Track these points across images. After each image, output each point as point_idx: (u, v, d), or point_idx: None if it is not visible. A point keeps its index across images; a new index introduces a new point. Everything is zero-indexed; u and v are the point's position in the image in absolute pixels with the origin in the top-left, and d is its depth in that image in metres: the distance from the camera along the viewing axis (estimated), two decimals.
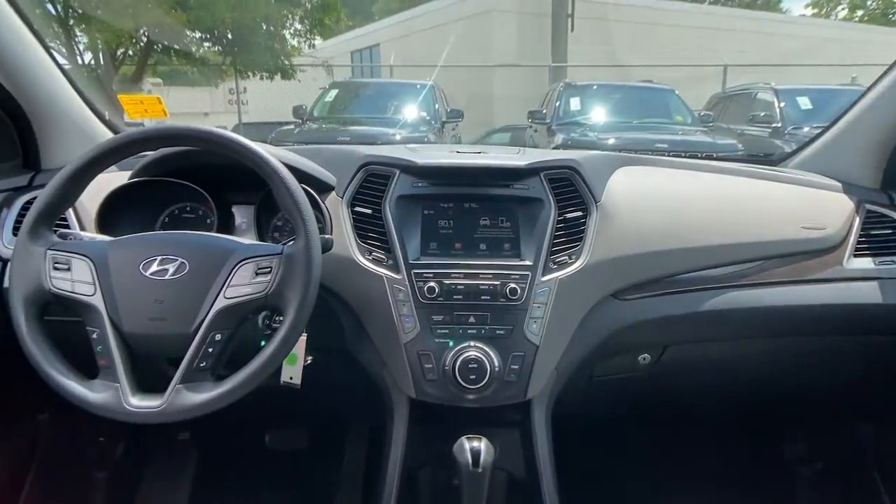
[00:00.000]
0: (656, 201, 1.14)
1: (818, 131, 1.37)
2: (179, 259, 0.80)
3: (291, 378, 0.98)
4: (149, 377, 0.79)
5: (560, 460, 1.06)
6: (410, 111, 6.84)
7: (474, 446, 0.87)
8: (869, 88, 1.21)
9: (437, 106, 7.19)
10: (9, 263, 0.84)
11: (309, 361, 1.00)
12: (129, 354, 0.78)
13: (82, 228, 1.03)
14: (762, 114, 7.07)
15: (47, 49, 1.12)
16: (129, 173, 1.05)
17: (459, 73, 10.37)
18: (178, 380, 0.76)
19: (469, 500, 0.87)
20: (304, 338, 0.96)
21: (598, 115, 6.88)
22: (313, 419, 1.68)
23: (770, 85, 7.42)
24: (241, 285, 0.79)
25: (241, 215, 1.11)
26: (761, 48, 11.77)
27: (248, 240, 0.87)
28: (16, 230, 1.07)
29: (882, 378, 1.26)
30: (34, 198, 0.87)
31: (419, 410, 1.04)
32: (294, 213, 0.80)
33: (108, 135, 1.29)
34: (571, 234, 1.05)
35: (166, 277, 0.79)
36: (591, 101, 7.11)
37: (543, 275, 1.01)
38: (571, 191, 1.08)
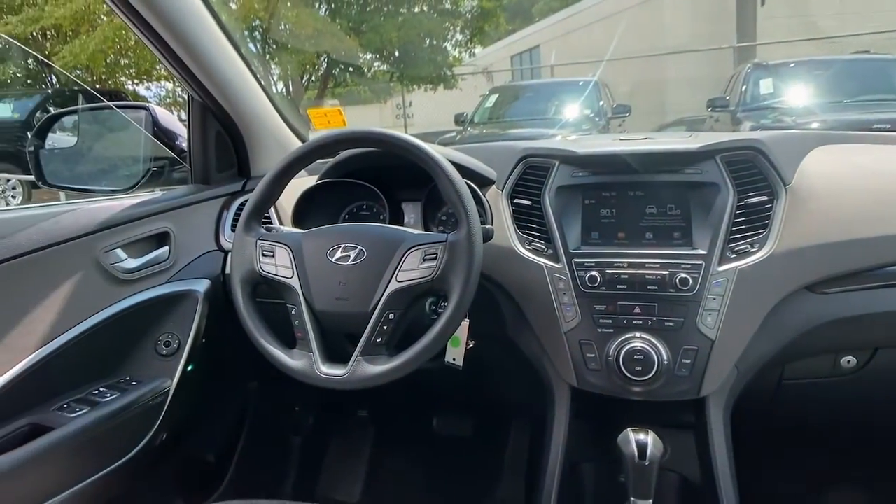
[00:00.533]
0: (863, 182, 1.02)
1: None
2: (359, 247, 0.90)
3: (454, 359, 1.04)
4: (335, 351, 0.90)
5: (741, 469, 0.98)
6: (572, 110, 6.70)
7: (640, 438, 0.85)
8: None
9: (601, 103, 6.95)
10: (229, 253, 1.06)
11: (471, 345, 1.04)
12: (319, 329, 0.90)
13: (281, 224, 1.18)
14: None
15: (256, 78, 1.33)
16: (316, 177, 1.20)
17: (628, 67, 9.74)
18: (358, 352, 0.86)
19: (635, 493, 0.85)
20: (466, 323, 1.01)
21: (797, 96, 5.94)
22: (478, 406, 1.72)
23: None
24: (411, 270, 0.87)
25: (410, 211, 1.21)
26: None
27: (417, 230, 0.95)
28: (233, 227, 1.27)
29: None
30: (246, 199, 1.02)
31: (581, 401, 1.03)
32: (456, 204, 0.86)
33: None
34: (754, 221, 0.97)
35: (348, 263, 0.90)
36: (787, 82, 6.19)
37: (720, 265, 0.95)
38: (755, 174, 0.99)
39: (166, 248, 1.16)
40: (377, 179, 1.16)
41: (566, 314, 0.99)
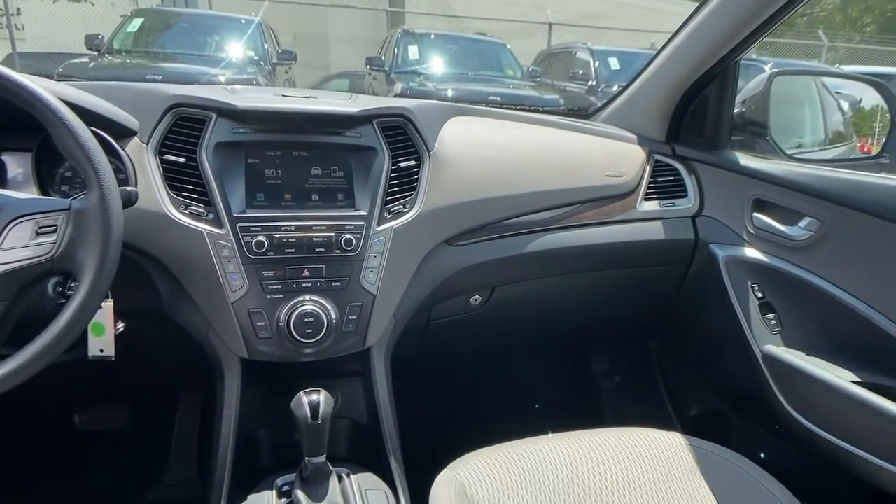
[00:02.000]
0: (485, 150, 1.19)
1: None
2: None
3: (102, 350, 0.87)
4: None
5: (400, 403, 1.09)
6: (235, 49, 6.26)
7: (313, 399, 0.85)
8: (657, 54, 1.38)
9: (266, 46, 6.67)
10: None
11: (121, 329, 0.90)
12: None
13: None
14: (580, 72, 7.79)
15: None
16: None
17: (290, 12, 9.63)
18: None
19: (309, 452, 0.86)
20: (110, 303, 0.86)
21: (437, 65, 7.05)
22: (134, 391, 1.54)
23: (587, 45, 8.13)
24: (17, 248, 0.67)
25: (16, 165, 0.93)
26: (581, 4, 12.65)
27: (26, 194, 0.74)
28: None
29: (661, 301, 1.51)
30: None
31: (252, 371, 1.00)
32: (82, 161, 0.69)
33: None
34: (405, 184, 1.06)
35: None
36: (429, 51, 7.23)
37: (378, 224, 1.01)
38: (405, 139, 1.07)
39: None
40: None
41: (232, 283, 0.93)
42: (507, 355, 1.71)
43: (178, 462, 1.51)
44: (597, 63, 7.65)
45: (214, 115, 0.97)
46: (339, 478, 0.91)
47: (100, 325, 0.86)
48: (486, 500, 0.83)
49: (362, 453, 1.05)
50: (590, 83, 7.51)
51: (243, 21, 6.63)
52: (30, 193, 0.76)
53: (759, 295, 1.24)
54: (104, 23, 6.84)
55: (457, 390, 1.75)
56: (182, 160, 0.95)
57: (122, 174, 0.88)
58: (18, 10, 8.07)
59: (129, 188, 0.76)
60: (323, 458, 0.87)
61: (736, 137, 1.37)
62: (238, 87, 1.13)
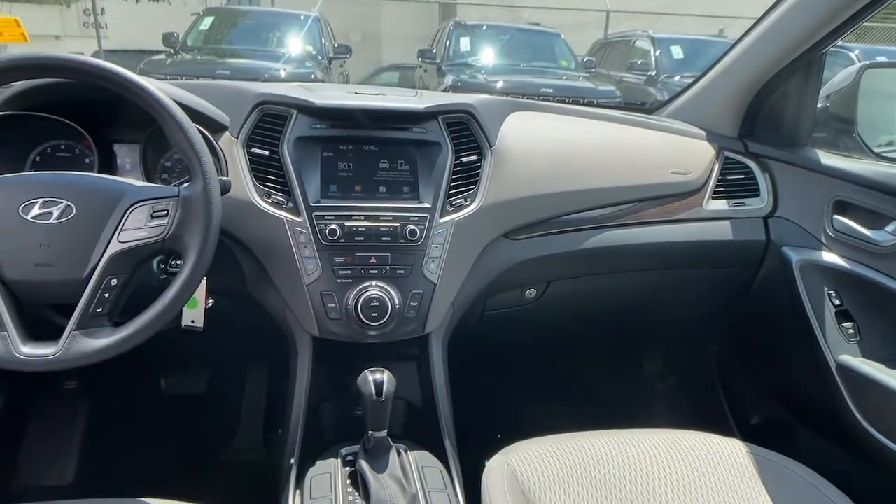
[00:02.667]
0: (545, 146, 1.20)
1: (688, 81, 1.49)
2: (64, 202, 0.75)
3: (193, 321, 0.98)
4: (37, 326, 0.75)
5: (454, 388, 1.13)
6: (295, 45, 6.47)
7: (377, 378, 0.90)
8: (733, 45, 1.32)
9: (323, 40, 6.85)
10: None
11: (210, 304, 0.99)
12: (14, 302, 0.74)
13: None
14: (639, 62, 7.50)
15: None
16: None
17: (345, 7, 9.80)
18: (73, 326, 0.73)
19: (373, 427, 0.91)
20: (203, 281, 0.94)
21: (488, 56, 6.98)
22: (212, 363, 1.65)
23: (648, 33, 7.83)
24: (136, 229, 0.76)
25: (125, 155, 1.03)
26: None
27: (134, 180, 0.83)
28: None
29: (725, 305, 1.46)
30: None
31: (322, 349, 1.06)
32: (190, 155, 0.77)
33: None
34: (467, 178, 1.09)
35: (51, 221, 0.74)
36: (480, 42, 7.18)
37: (441, 217, 1.04)
38: (468, 134, 1.11)
39: None
40: (78, 114, 0.97)
41: (307, 267, 0.99)
42: (559, 349, 1.72)
43: (247, 429, 1.61)
44: (657, 52, 7.38)
45: (295, 112, 1.04)
46: (399, 453, 0.96)
47: (194, 299, 0.95)
48: (538, 487, 0.85)
49: (417, 433, 1.09)
50: (649, 73, 7.27)
51: (302, 17, 6.81)
52: (136, 180, 0.85)
53: (836, 302, 1.19)
54: (176, 20, 7.18)
55: (509, 380, 1.77)
56: (266, 153, 1.02)
57: (218, 166, 0.95)
58: (103, 9, 8.57)
59: (224, 178, 0.83)
60: (384, 433, 0.92)
61: (816, 134, 1.30)
62: (315, 84, 1.21)
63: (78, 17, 9.12)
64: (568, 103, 1.42)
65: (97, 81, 0.76)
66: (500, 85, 5.76)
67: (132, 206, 0.77)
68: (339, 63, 7.26)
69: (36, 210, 0.74)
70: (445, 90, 6.00)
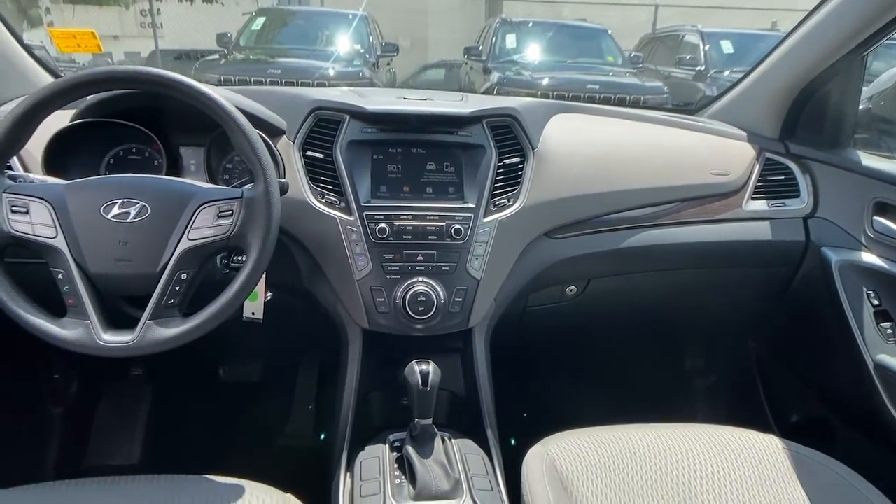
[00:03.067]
0: (586, 148, 1.23)
1: (738, 76, 1.48)
2: (140, 202, 0.83)
3: (254, 314, 1.04)
4: (115, 316, 0.83)
5: (496, 380, 1.17)
6: (343, 44, 6.57)
7: (423, 369, 0.95)
8: (775, 47, 1.32)
9: (371, 39, 6.93)
10: None
11: (269, 297, 1.06)
12: (96, 293, 0.81)
13: (26, 171, 1.01)
14: (688, 57, 7.31)
15: None
16: (70, 113, 1.02)
17: (393, 14, 9.93)
18: (148, 316, 0.80)
19: (419, 415, 0.96)
20: (263, 275, 1.01)
21: (534, 53, 6.92)
22: (267, 353, 1.74)
23: (697, 27, 7.63)
24: (204, 227, 0.83)
25: (190, 157, 1.11)
26: None
27: (199, 181, 0.90)
28: None
29: (764, 303, 1.46)
30: None
31: (371, 341, 1.12)
32: (252, 159, 0.83)
33: (39, 70, 1.25)
34: (510, 179, 1.13)
35: (128, 220, 0.82)
36: (526, 39, 7.12)
37: (485, 216, 1.09)
38: (511, 137, 1.15)
39: None
40: (148, 119, 1.05)
41: (358, 263, 1.05)
42: (599, 344, 1.75)
43: (298, 417, 1.70)
44: (707, 46, 7.18)
45: (348, 117, 1.10)
46: (443, 440, 1.01)
47: (255, 292, 1.02)
48: (577, 477, 0.88)
49: (461, 422, 1.14)
50: (698, 68, 7.09)
51: (351, 16, 6.93)
52: (200, 181, 0.92)
53: (875, 302, 1.19)
54: (228, 20, 7.45)
55: (549, 373, 1.81)
56: (321, 156, 1.09)
57: (276, 168, 1.01)
58: (159, 10, 8.98)
59: (282, 180, 0.90)
60: (430, 421, 0.97)
61: (858, 135, 1.30)
62: (366, 89, 1.26)
63: (135, 18, 9.59)
64: (614, 100, 1.44)
65: (168, 91, 0.83)
66: (545, 82, 5.72)
67: (200, 206, 0.83)
68: (387, 61, 7.35)
69: (116, 210, 0.82)
70: (491, 87, 6.00)
